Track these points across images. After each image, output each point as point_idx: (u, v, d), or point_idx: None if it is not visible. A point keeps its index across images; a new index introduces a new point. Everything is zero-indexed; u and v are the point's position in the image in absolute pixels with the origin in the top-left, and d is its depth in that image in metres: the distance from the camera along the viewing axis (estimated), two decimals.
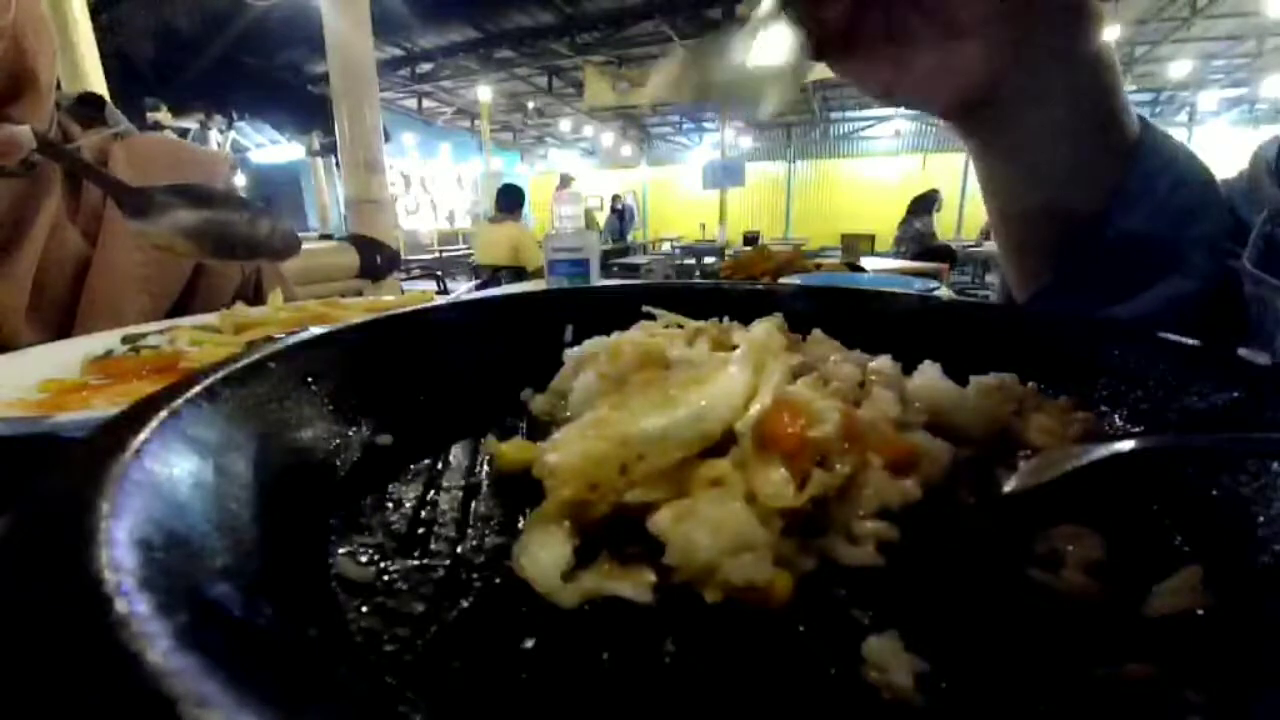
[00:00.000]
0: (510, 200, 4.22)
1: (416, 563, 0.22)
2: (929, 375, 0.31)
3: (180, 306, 0.82)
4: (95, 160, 0.75)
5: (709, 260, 7.01)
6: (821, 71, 0.50)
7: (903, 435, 0.27)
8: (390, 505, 0.26)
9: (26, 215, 0.68)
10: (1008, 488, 0.26)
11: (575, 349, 0.36)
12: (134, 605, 0.12)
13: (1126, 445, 0.25)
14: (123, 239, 0.75)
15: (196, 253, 0.60)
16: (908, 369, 0.33)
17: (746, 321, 0.41)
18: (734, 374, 0.26)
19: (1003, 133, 0.48)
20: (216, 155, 0.95)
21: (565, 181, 9.06)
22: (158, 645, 0.11)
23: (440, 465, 0.30)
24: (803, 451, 0.24)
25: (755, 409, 0.24)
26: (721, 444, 0.24)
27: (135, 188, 0.57)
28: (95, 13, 2.79)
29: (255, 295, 0.90)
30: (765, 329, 0.34)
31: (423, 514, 0.26)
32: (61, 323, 0.72)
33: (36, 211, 0.68)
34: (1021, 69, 0.43)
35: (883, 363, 0.33)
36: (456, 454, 0.31)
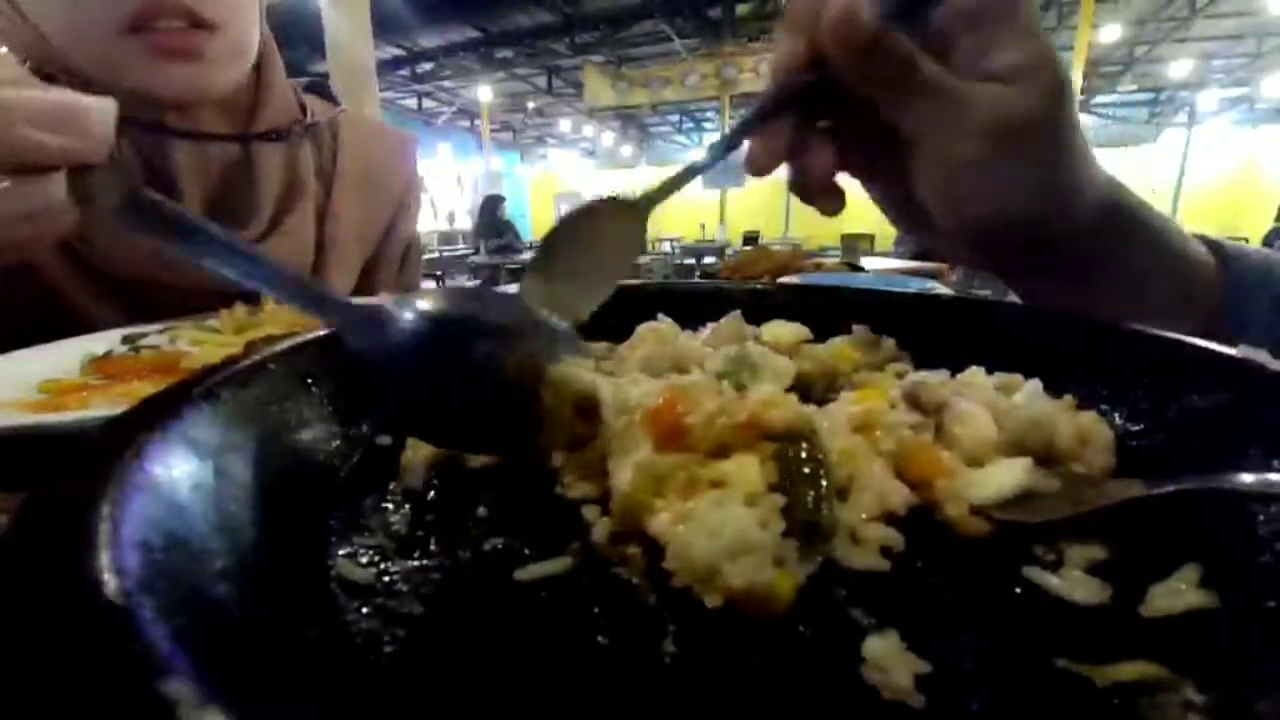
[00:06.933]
0: None
1: (416, 563, 0.22)
2: (1030, 395, 0.30)
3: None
4: (328, 131, 0.89)
5: (709, 260, 6.99)
6: None
7: (930, 447, 0.27)
8: (390, 505, 0.26)
9: (301, 174, 0.81)
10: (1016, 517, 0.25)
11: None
12: (134, 606, 0.12)
13: (1161, 489, 0.24)
14: (348, 190, 0.87)
15: None
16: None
17: (747, 321, 0.41)
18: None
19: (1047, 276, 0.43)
20: (406, 135, 1.04)
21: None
22: (158, 646, 0.11)
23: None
24: (677, 434, 0.24)
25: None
26: (723, 448, 0.24)
27: None
28: None
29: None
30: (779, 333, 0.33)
31: (423, 514, 0.26)
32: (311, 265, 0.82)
33: (309, 170, 0.82)
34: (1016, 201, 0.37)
35: (974, 376, 0.31)
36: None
